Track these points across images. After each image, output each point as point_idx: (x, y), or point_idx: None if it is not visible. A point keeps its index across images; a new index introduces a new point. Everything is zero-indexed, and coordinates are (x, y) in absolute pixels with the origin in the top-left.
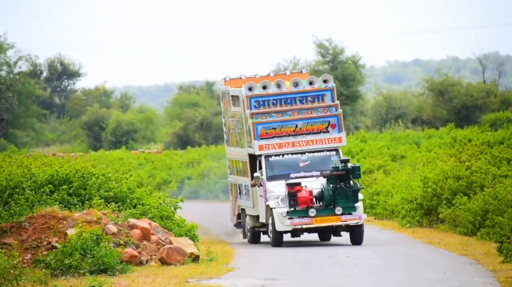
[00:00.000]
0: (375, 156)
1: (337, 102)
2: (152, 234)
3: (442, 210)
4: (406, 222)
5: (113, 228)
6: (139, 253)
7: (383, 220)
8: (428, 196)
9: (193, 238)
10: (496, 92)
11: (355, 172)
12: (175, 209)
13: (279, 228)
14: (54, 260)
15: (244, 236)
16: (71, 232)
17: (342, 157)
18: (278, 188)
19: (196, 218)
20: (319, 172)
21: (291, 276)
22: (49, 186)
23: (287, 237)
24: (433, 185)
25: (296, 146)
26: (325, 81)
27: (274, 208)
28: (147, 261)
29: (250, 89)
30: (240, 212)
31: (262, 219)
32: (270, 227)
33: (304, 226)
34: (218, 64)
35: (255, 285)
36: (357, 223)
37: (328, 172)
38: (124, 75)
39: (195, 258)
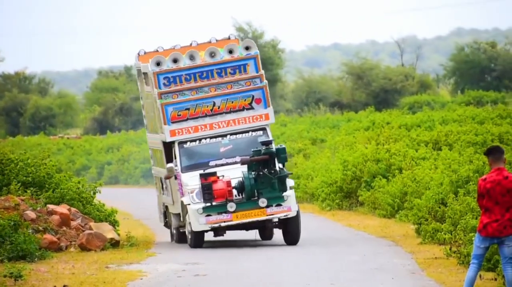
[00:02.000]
0: (295, 140)
1: (262, 72)
2: (71, 220)
3: (361, 193)
4: (326, 205)
5: (31, 214)
6: (58, 239)
7: (303, 203)
8: (347, 179)
9: (113, 223)
10: (414, 75)
11: (280, 155)
12: (94, 193)
13: (195, 227)
14: None
15: (172, 238)
16: None
17: (265, 138)
18: (194, 180)
19: (116, 203)
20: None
21: (211, 261)
22: None
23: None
24: (353, 167)
25: (215, 127)
26: (247, 48)
27: (189, 204)
28: (66, 247)
29: (158, 64)
30: (165, 209)
31: (182, 218)
32: (188, 227)
33: (223, 224)
34: (136, 49)
35: (176, 269)
36: (287, 215)
37: (248, 157)
38: (43, 61)
39: (115, 243)
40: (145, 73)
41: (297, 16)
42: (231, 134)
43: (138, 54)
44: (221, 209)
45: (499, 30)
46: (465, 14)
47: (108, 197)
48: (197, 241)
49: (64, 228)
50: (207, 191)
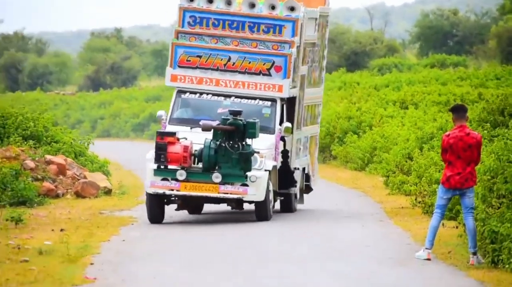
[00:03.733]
0: None
1: (296, 39)
2: (67, 169)
3: (334, 148)
4: None
5: (31, 164)
6: (55, 187)
7: None
8: (321, 134)
9: (106, 173)
10: (383, 39)
11: (248, 130)
12: (88, 145)
13: (146, 188)
14: None
15: None
16: None
17: (277, 114)
18: None
19: (108, 154)
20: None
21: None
22: None
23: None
24: (326, 124)
25: (221, 85)
26: (291, 8)
27: (149, 160)
28: (63, 194)
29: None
30: None
31: None
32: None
33: (167, 191)
34: (131, 8)
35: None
36: (242, 197)
37: (213, 123)
38: (40, 22)
39: (108, 192)
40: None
41: None
42: (236, 96)
43: None
44: (171, 174)
45: None
46: None
47: (101, 149)
48: (152, 209)
49: (61, 177)
50: (160, 151)
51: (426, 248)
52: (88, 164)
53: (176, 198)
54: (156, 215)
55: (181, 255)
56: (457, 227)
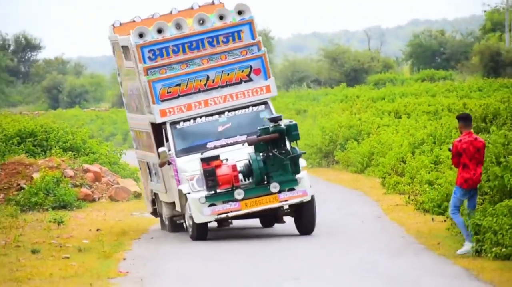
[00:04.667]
0: (283, 111)
1: (259, 39)
2: (102, 177)
3: (337, 153)
4: (308, 163)
5: (70, 172)
6: (92, 192)
7: None
8: (326, 142)
9: (136, 179)
10: (379, 57)
11: (291, 133)
12: (120, 155)
13: (197, 219)
14: (22, 199)
15: (163, 227)
16: (36, 175)
17: (273, 114)
18: (192, 165)
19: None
20: (246, 137)
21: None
22: (17, 138)
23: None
24: (330, 133)
25: (211, 104)
26: (239, 12)
27: (189, 193)
28: (99, 199)
29: (140, 36)
30: (154, 197)
31: (178, 208)
32: (188, 219)
33: (230, 214)
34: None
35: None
36: (303, 200)
37: (255, 136)
38: (78, 47)
39: (138, 195)
40: (124, 47)
41: (282, 6)
42: (229, 111)
43: (113, 25)
44: (227, 197)
45: (447, 20)
46: (420, 7)
47: (131, 158)
48: (200, 233)
49: (97, 183)
50: (210, 177)
51: (468, 242)
52: (120, 171)
53: (232, 218)
54: (204, 235)
55: (203, 251)
56: (445, 221)
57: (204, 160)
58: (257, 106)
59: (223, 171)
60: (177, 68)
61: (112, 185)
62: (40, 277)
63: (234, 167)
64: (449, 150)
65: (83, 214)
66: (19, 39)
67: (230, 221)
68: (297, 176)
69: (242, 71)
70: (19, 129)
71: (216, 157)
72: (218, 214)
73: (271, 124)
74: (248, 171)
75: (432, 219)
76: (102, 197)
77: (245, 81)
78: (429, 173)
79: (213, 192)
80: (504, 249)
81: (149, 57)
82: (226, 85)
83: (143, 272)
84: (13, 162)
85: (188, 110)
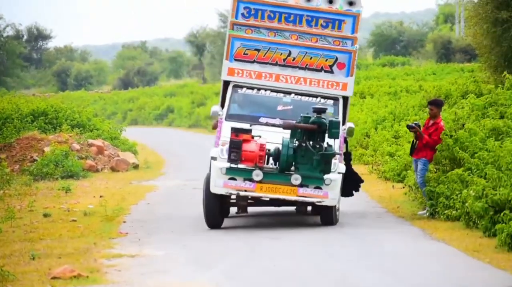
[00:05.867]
0: None
1: (357, 35)
2: (104, 150)
3: None
4: None
5: (77, 146)
6: (95, 163)
7: None
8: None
9: (134, 152)
10: None
11: (331, 129)
12: (120, 131)
13: (212, 188)
14: (35, 169)
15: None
16: (47, 149)
17: (339, 114)
18: None
19: (136, 138)
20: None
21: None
22: (31, 116)
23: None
24: None
25: (282, 81)
26: (350, 3)
27: (215, 158)
28: (101, 169)
29: None
30: None
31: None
32: (203, 186)
33: (242, 193)
34: (153, 25)
35: (180, 184)
36: (321, 202)
37: (293, 122)
38: (84, 37)
39: (136, 167)
40: None
41: None
42: (296, 93)
43: None
44: (246, 174)
45: (405, 13)
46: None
47: (130, 134)
48: (210, 207)
49: (100, 156)
50: (234, 149)
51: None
52: (121, 145)
53: (242, 199)
54: (216, 219)
55: (196, 213)
56: (403, 188)
57: (235, 130)
58: (326, 100)
59: (249, 146)
60: (264, 33)
61: (113, 157)
62: (51, 237)
63: (262, 146)
64: (408, 127)
65: (88, 182)
66: (32, 29)
67: (245, 207)
68: (327, 176)
69: (326, 60)
70: (32, 109)
71: (248, 131)
72: (230, 189)
73: (314, 115)
74: (277, 155)
75: (393, 186)
76: (105, 167)
77: (326, 71)
78: (390, 145)
79: (235, 165)
80: (454, 212)
81: (242, 14)
82: (305, 68)
83: (140, 233)
84: (27, 137)
85: (257, 78)
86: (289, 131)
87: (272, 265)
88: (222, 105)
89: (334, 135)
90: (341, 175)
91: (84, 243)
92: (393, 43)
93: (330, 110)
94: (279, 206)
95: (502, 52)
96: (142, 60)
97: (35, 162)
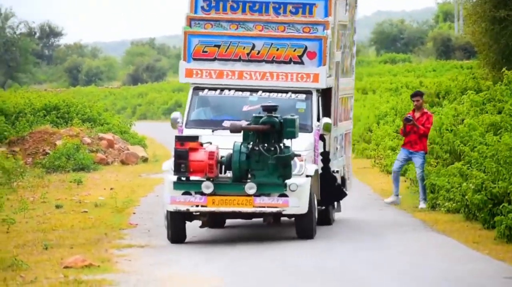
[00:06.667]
0: None
1: (329, 19)
2: (115, 143)
3: None
4: None
5: (88, 140)
6: (106, 156)
7: None
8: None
9: (143, 146)
10: None
11: (286, 128)
12: (130, 125)
13: (166, 205)
14: (47, 162)
15: None
16: (59, 142)
17: (313, 109)
18: None
19: (145, 132)
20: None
21: None
22: (43, 111)
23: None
24: None
25: (245, 78)
26: None
27: (168, 170)
28: (112, 162)
29: None
30: None
31: None
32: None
33: (191, 208)
34: (160, 22)
35: None
36: (281, 211)
37: (241, 122)
38: (94, 34)
39: (145, 160)
40: None
41: None
42: (264, 91)
43: None
44: (195, 187)
45: (406, 11)
46: (382, 1)
47: (139, 128)
48: (174, 227)
49: (110, 149)
50: (180, 160)
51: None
52: (130, 139)
53: (201, 215)
54: (178, 234)
55: None
56: (405, 181)
57: (179, 139)
58: (297, 94)
59: (197, 156)
60: (225, 27)
61: (123, 151)
62: (63, 228)
63: (211, 154)
64: (406, 120)
65: (98, 175)
66: (44, 27)
67: (200, 216)
68: (291, 181)
69: (295, 50)
70: (44, 103)
71: (195, 138)
72: (178, 205)
73: (265, 114)
74: (229, 163)
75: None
76: (115, 161)
77: (295, 63)
78: (391, 140)
79: (183, 178)
80: (454, 204)
81: (202, 8)
82: (272, 61)
83: (149, 224)
84: (40, 131)
85: (218, 77)
86: (233, 133)
87: (278, 257)
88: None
89: (290, 135)
90: (309, 178)
91: (95, 234)
92: (394, 41)
93: (301, 105)
94: (241, 219)
95: (500, 49)
96: (150, 57)
97: (47, 155)
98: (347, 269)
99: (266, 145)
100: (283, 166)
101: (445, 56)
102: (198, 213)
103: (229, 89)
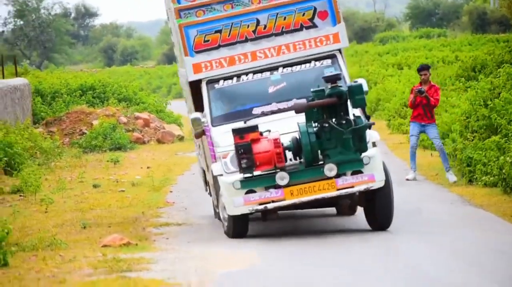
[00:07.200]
0: None
1: None
2: (150, 123)
3: None
4: None
5: (124, 119)
6: (142, 136)
7: None
8: None
9: (179, 124)
10: (383, 18)
11: (354, 96)
12: (165, 104)
13: (230, 210)
14: (84, 142)
15: (215, 214)
16: (95, 122)
17: (342, 71)
18: (227, 138)
19: (181, 110)
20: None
21: None
22: (79, 91)
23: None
24: None
25: (260, 58)
26: None
27: (221, 174)
28: (148, 141)
29: None
30: (204, 174)
31: (213, 193)
32: (221, 210)
33: (270, 205)
34: None
35: None
36: (368, 188)
37: (304, 100)
38: (129, 14)
39: (181, 138)
40: None
41: None
42: (284, 66)
43: None
44: (267, 181)
45: None
46: None
47: (175, 107)
48: (238, 228)
49: (146, 128)
50: (244, 155)
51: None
52: (166, 118)
53: (274, 210)
54: (241, 232)
55: None
56: (431, 155)
57: (237, 132)
58: (321, 61)
59: (261, 146)
60: (219, 10)
61: (159, 130)
62: (101, 207)
63: (276, 142)
64: (420, 92)
65: (135, 154)
66: (79, 7)
67: (274, 214)
68: (364, 154)
69: (303, 15)
70: (80, 83)
71: (254, 128)
72: (254, 205)
73: (328, 85)
74: (297, 147)
75: (431, 154)
76: (151, 139)
77: (307, 28)
78: None
79: (249, 175)
80: (491, 178)
81: None
82: (282, 33)
83: (186, 202)
84: (76, 111)
85: (231, 65)
86: (303, 114)
87: (313, 237)
88: (196, 110)
89: (360, 103)
90: (377, 147)
91: (133, 213)
92: (429, 16)
93: (331, 71)
94: (315, 207)
95: None
96: None
97: (84, 135)
98: (387, 243)
99: (335, 119)
100: (359, 138)
101: (481, 30)
102: (273, 209)
103: (246, 73)
